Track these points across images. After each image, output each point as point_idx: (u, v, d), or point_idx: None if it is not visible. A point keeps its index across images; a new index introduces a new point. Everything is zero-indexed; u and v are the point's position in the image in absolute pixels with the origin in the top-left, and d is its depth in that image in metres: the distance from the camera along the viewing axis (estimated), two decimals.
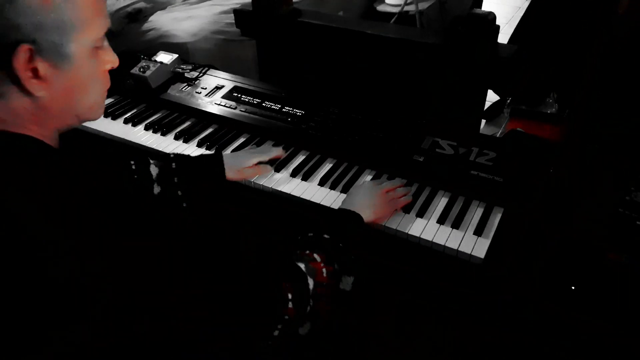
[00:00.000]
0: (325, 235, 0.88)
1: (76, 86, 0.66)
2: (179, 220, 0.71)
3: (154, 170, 1.06)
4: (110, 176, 0.96)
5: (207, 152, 1.29)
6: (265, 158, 1.19)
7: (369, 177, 1.19)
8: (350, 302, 0.89)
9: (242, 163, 1.15)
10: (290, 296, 0.75)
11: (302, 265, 0.80)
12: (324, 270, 0.81)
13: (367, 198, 1.03)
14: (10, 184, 0.59)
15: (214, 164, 1.12)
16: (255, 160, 1.16)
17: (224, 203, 1.17)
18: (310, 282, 0.79)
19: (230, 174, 1.13)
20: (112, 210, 0.62)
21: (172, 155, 1.10)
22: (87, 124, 1.35)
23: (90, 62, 0.67)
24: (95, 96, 0.71)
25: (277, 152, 1.23)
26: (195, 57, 2.11)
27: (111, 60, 0.72)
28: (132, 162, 1.06)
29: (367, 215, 0.99)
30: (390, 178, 1.18)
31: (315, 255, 0.83)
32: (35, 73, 0.61)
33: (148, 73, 1.46)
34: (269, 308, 0.73)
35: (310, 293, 0.78)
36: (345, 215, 0.97)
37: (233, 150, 1.28)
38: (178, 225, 0.68)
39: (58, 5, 0.60)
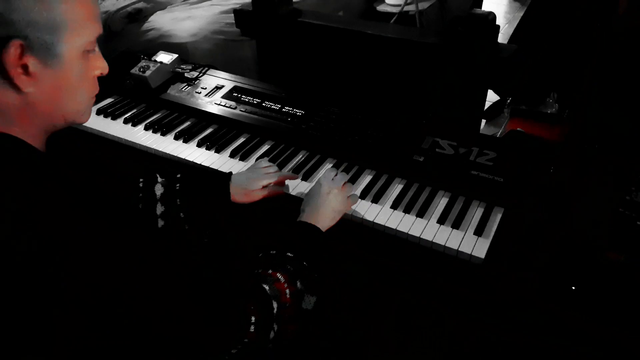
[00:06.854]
0: (289, 254, 0.84)
1: (64, 87, 0.67)
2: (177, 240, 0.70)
3: (158, 189, 1.02)
4: (113, 187, 0.95)
5: (209, 150, 1.28)
6: (274, 180, 1.09)
7: (368, 177, 1.19)
8: (352, 304, 0.88)
9: (250, 185, 1.07)
10: (253, 319, 0.72)
11: (266, 287, 0.77)
12: (287, 291, 0.78)
13: (329, 202, 0.99)
14: None
15: (220, 187, 1.05)
16: (265, 183, 1.08)
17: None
18: (275, 305, 0.76)
19: (238, 197, 1.05)
20: (97, 217, 0.62)
21: (178, 176, 1.05)
22: (88, 124, 1.35)
23: (80, 65, 0.68)
24: (82, 99, 0.72)
25: (290, 176, 1.16)
26: (195, 57, 2.11)
27: (101, 66, 0.73)
28: (141, 180, 1.03)
29: (330, 220, 0.97)
30: (390, 178, 1.18)
31: (279, 275, 0.79)
32: (25, 69, 0.62)
33: (148, 73, 1.45)
34: (230, 329, 0.71)
35: (274, 318, 0.75)
36: (303, 230, 0.92)
37: (233, 150, 1.28)
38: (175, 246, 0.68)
39: (51, 5, 0.62)
